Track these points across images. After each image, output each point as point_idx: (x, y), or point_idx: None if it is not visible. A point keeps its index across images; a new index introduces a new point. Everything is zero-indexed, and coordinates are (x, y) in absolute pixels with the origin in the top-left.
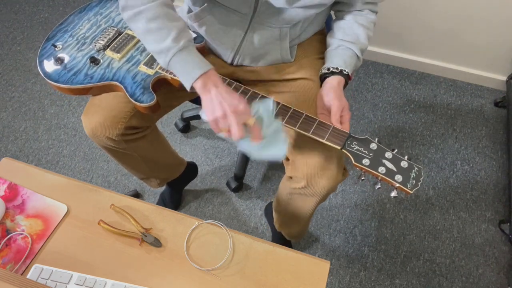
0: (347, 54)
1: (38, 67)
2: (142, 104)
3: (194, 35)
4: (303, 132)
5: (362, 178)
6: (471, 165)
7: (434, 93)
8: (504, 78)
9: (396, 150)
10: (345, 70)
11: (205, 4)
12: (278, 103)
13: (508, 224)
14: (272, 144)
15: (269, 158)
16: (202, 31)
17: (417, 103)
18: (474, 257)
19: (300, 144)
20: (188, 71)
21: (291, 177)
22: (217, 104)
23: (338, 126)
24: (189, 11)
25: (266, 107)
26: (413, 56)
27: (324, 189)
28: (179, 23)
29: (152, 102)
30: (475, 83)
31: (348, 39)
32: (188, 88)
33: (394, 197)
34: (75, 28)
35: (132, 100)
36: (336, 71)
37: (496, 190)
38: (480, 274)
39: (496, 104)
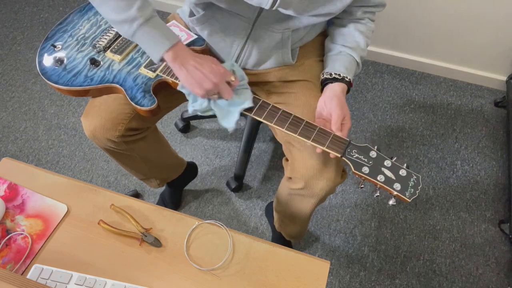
0: (348, 61)
1: (38, 68)
2: (143, 108)
3: (195, 36)
4: (304, 139)
5: (362, 186)
6: (471, 165)
7: (434, 93)
8: (504, 78)
9: (395, 158)
10: (347, 77)
11: (208, 8)
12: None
13: (508, 224)
14: (241, 96)
15: (237, 112)
16: (204, 34)
17: (417, 103)
18: (474, 257)
19: (299, 145)
20: (155, 43)
21: (290, 178)
22: (201, 78)
23: (338, 133)
24: (191, 14)
25: (232, 63)
26: (413, 56)
27: (322, 191)
28: None
29: (153, 106)
30: (475, 83)
31: (349, 45)
32: (156, 60)
33: (392, 205)
34: (75, 28)
35: (133, 104)
36: (339, 77)
37: (496, 190)
38: (480, 274)
39: (496, 104)
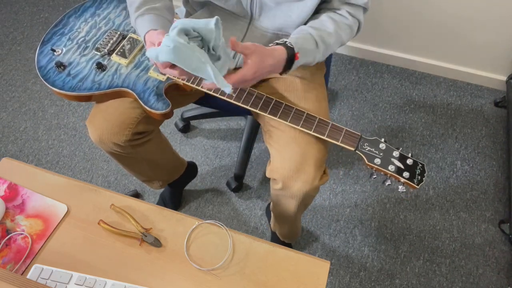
0: (303, 37)
1: (39, 73)
2: (157, 112)
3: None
4: (319, 135)
5: (374, 176)
6: (471, 165)
7: (434, 93)
8: (504, 78)
9: (401, 149)
10: (290, 43)
11: (205, 7)
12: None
13: (508, 224)
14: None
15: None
16: None
17: (417, 103)
18: (474, 257)
19: (278, 145)
20: (140, 33)
21: (274, 179)
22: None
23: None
24: (187, 14)
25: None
26: (413, 56)
27: (300, 192)
28: None
29: (168, 109)
30: (475, 83)
31: (311, 25)
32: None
33: (402, 191)
34: (73, 30)
35: (147, 108)
36: (281, 43)
37: (496, 190)
38: (480, 274)
39: (496, 104)
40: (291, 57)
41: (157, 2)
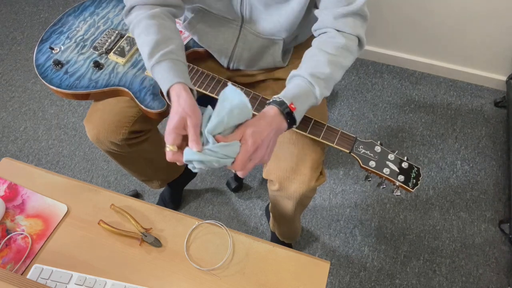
0: (292, 84)
1: (37, 71)
2: (153, 111)
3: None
4: (314, 137)
5: (369, 179)
6: (471, 165)
7: (434, 93)
8: (504, 78)
9: (396, 152)
10: (278, 98)
11: (198, 12)
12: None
13: (508, 224)
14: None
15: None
16: (195, 39)
17: (417, 103)
18: (474, 257)
19: (276, 147)
20: (161, 84)
21: (271, 180)
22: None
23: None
24: (185, 19)
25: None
26: (413, 56)
27: (297, 193)
28: (154, 37)
29: (163, 108)
30: (475, 83)
31: (301, 65)
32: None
33: (397, 195)
34: (71, 29)
35: (142, 107)
36: (277, 99)
37: (496, 190)
38: (480, 274)
39: (496, 104)
40: (286, 109)
41: (169, 45)
